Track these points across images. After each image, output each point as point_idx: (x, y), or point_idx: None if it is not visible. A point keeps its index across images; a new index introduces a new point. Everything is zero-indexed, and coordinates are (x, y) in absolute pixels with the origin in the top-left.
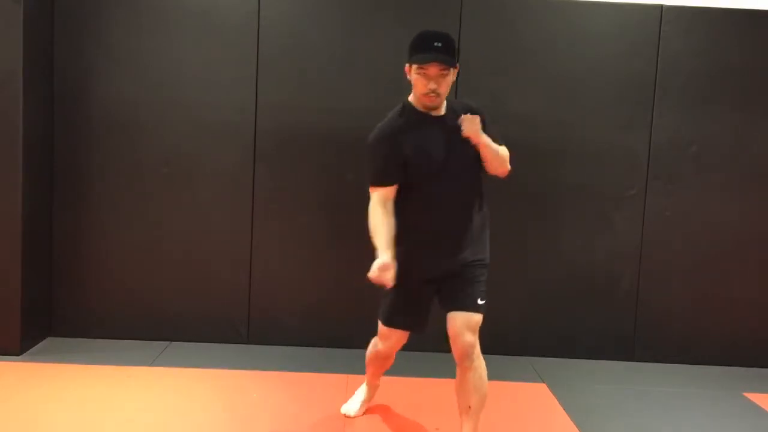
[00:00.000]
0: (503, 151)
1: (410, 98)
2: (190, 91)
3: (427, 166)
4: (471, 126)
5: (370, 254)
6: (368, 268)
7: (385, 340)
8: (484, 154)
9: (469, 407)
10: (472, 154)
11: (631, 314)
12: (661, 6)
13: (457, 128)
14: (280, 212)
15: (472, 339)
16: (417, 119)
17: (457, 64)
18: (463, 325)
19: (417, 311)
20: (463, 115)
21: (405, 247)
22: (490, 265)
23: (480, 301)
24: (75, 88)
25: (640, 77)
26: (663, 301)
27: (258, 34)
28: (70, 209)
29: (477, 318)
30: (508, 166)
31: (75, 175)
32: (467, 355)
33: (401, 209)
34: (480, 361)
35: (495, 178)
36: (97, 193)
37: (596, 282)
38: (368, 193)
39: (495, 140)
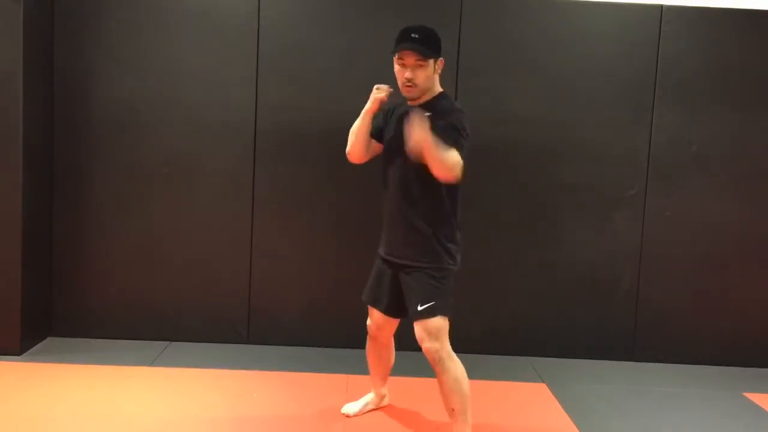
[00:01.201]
0: (450, 156)
1: None
2: (190, 91)
3: (387, 149)
4: (413, 123)
5: (370, 254)
6: (368, 268)
7: (370, 317)
8: (426, 155)
9: (453, 409)
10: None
11: (631, 314)
12: (661, 6)
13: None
14: (280, 212)
15: (433, 345)
16: (406, 107)
17: (441, 59)
18: (421, 332)
19: (381, 289)
20: (414, 111)
21: (382, 219)
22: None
23: (420, 307)
24: (75, 88)
25: (640, 77)
26: (663, 301)
27: (258, 34)
28: (70, 209)
29: (431, 323)
30: (455, 172)
31: (75, 175)
32: (435, 361)
33: (383, 185)
34: (451, 363)
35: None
36: (97, 193)
37: (596, 282)
38: (369, 192)
39: (441, 135)
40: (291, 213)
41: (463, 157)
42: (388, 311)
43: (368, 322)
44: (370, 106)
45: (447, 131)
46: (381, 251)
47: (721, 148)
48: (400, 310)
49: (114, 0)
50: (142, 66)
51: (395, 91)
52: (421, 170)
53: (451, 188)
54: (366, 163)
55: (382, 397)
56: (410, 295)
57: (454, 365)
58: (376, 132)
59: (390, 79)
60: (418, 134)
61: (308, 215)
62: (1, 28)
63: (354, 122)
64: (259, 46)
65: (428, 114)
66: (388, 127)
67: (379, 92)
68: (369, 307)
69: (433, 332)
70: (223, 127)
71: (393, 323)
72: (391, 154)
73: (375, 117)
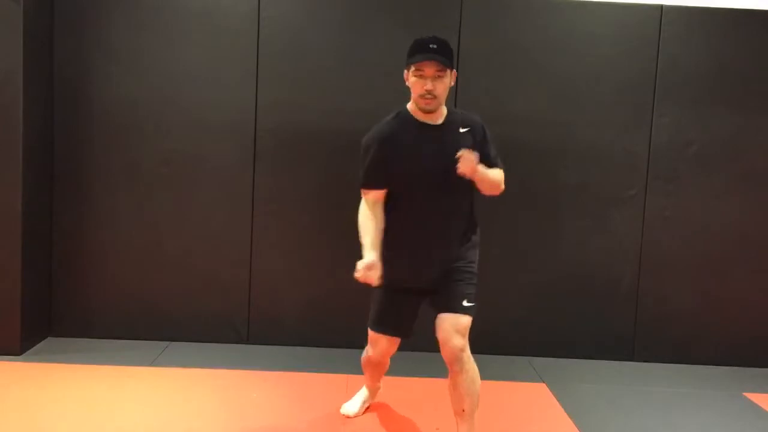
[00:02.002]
0: (497, 175)
1: (408, 106)
2: (190, 91)
3: (417, 173)
4: (467, 165)
5: None
6: None
7: (374, 346)
8: (479, 184)
9: (463, 410)
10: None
11: (631, 314)
12: (661, 6)
13: (454, 139)
14: (280, 212)
15: (461, 342)
16: (412, 126)
17: (455, 71)
18: (451, 329)
19: (401, 317)
20: (462, 151)
21: (393, 252)
22: (490, 264)
23: (466, 303)
24: (75, 87)
25: (640, 77)
26: (663, 301)
27: (258, 34)
28: (70, 209)
29: (465, 321)
30: (502, 187)
31: (75, 175)
32: (457, 359)
33: (391, 214)
34: (471, 364)
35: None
36: (97, 193)
37: (596, 282)
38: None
39: (492, 159)
40: (291, 213)
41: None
42: (405, 335)
43: (370, 353)
44: (363, 276)
45: (489, 146)
46: (398, 282)
47: (721, 148)
48: (413, 328)
49: (114, 0)
50: (142, 66)
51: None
52: (459, 188)
53: (473, 196)
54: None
55: (377, 390)
56: (452, 291)
57: (472, 366)
58: (386, 180)
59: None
60: (472, 173)
61: (308, 215)
62: (1, 28)
63: (356, 129)
64: (259, 46)
65: (466, 129)
66: (406, 161)
67: (371, 276)
68: (376, 336)
69: (463, 330)
70: (223, 127)
71: (397, 345)
72: (418, 180)
73: (375, 156)
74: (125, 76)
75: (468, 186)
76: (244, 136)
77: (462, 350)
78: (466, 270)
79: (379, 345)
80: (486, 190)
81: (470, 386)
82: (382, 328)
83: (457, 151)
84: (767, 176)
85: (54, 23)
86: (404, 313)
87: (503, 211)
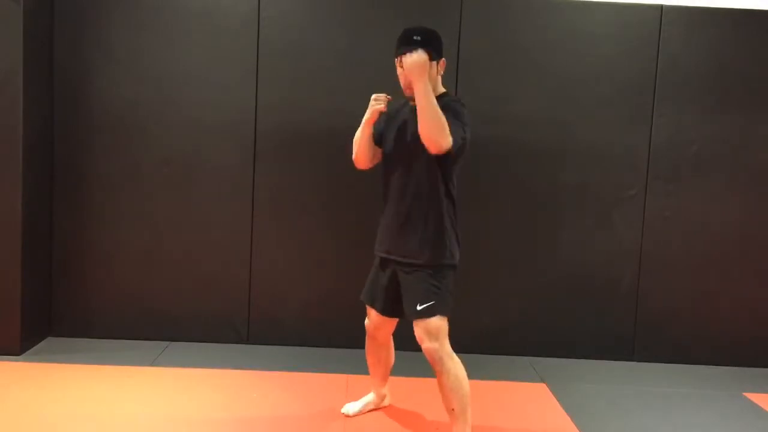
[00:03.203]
0: (443, 119)
1: None
2: (190, 91)
3: (389, 149)
4: (411, 59)
5: (370, 254)
6: (368, 269)
7: (367, 317)
8: (418, 104)
9: (453, 409)
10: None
11: (631, 314)
12: (661, 6)
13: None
14: (280, 212)
15: (433, 344)
16: (407, 108)
17: (442, 60)
18: (421, 332)
19: (379, 292)
20: (411, 56)
21: (381, 221)
22: (490, 264)
23: (419, 307)
24: (75, 88)
25: (640, 77)
26: (663, 301)
27: (258, 34)
28: (70, 209)
29: (431, 323)
30: (444, 135)
31: (75, 175)
32: (435, 360)
33: (382, 185)
34: (452, 363)
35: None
36: (97, 193)
37: (596, 282)
38: (368, 192)
39: (446, 114)
40: (291, 213)
41: (461, 142)
42: (385, 311)
43: (366, 321)
44: (369, 117)
45: (448, 109)
46: (379, 250)
47: (721, 148)
48: (397, 310)
49: (114, 0)
50: (142, 66)
51: (396, 95)
52: (423, 171)
53: (449, 188)
54: None
55: (383, 398)
56: (409, 295)
57: (454, 365)
58: (377, 137)
59: (390, 79)
60: (410, 72)
61: (308, 215)
62: (1, 28)
63: (356, 129)
64: (259, 46)
65: (425, 55)
66: (389, 130)
67: (377, 103)
68: (367, 306)
69: (433, 332)
70: (223, 127)
71: (391, 323)
72: (392, 155)
73: (376, 122)
74: (125, 76)
75: (436, 175)
76: (244, 136)
77: (437, 351)
78: (419, 267)
79: (368, 316)
80: (424, 124)
81: (454, 383)
82: (365, 297)
83: (410, 132)
84: (767, 176)
85: (54, 23)
86: (381, 285)
87: (503, 211)
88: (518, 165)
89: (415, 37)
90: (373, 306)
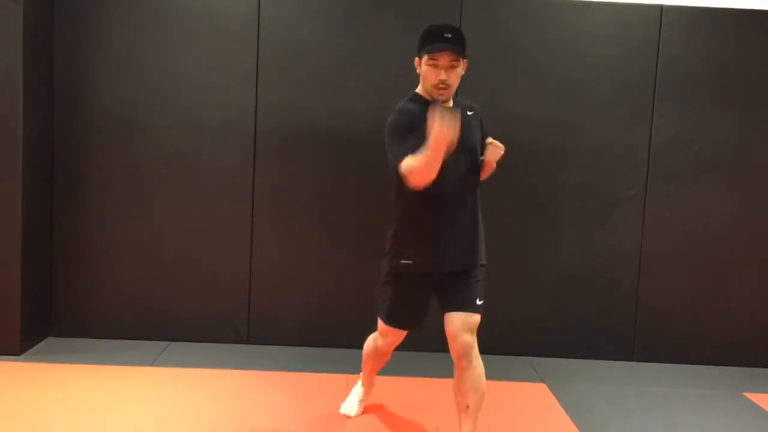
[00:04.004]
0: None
1: (418, 90)
2: (190, 91)
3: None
4: (495, 154)
5: (370, 254)
6: (368, 268)
7: (385, 337)
8: (486, 170)
9: (468, 407)
10: (476, 156)
11: (631, 314)
12: (661, 6)
13: (466, 122)
14: (280, 212)
15: (471, 339)
16: (427, 107)
17: (466, 60)
18: (462, 325)
19: (414, 310)
20: (489, 139)
21: (411, 234)
22: (489, 264)
23: (478, 302)
24: (75, 88)
25: (640, 77)
26: (663, 301)
27: (258, 34)
28: (70, 209)
29: (475, 318)
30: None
31: (75, 175)
32: (465, 355)
33: (407, 199)
34: (478, 361)
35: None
36: (96, 193)
37: (596, 282)
38: (368, 192)
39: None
40: (291, 213)
41: None
42: (418, 329)
43: (379, 342)
44: (441, 147)
45: (487, 129)
46: (427, 268)
47: (721, 148)
48: (424, 320)
49: (114, 0)
50: (142, 66)
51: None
52: (474, 174)
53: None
54: (366, 164)
55: (372, 386)
56: (466, 289)
57: (480, 363)
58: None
59: (390, 79)
60: (494, 162)
61: (308, 215)
62: (1, 28)
63: (356, 129)
64: (259, 46)
65: (472, 113)
66: (419, 133)
67: (448, 131)
68: (388, 329)
69: (472, 327)
70: (223, 127)
71: (405, 335)
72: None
73: (407, 132)
74: (125, 76)
75: (478, 178)
76: (244, 136)
77: (471, 346)
78: (480, 266)
79: (389, 337)
80: (487, 174)
81: (477, 382)
82: (395, 323)
83: (471, 133)
84: (767, 176)
85: (54, 23)
86: (417, 306)
87: (503, 211)
88: (518, 165)
89: (446, 35)
90: (411, 329)
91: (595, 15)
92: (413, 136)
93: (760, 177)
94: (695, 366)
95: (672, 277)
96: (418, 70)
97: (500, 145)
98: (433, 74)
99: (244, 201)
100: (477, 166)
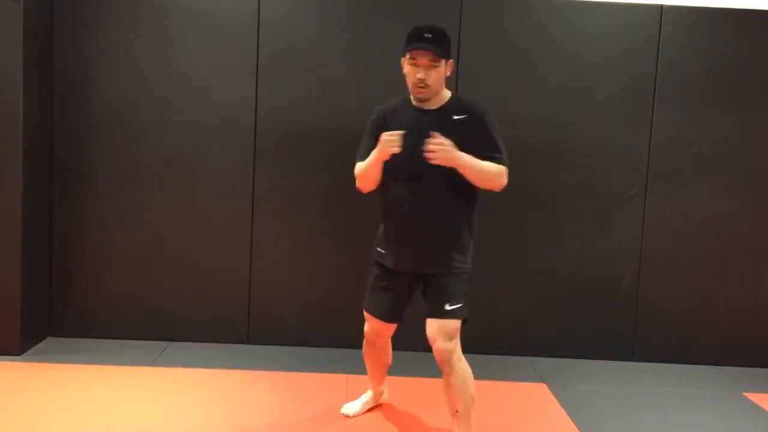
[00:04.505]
0: (489, 167)
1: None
2: (190, 91)
3: (400, 158)
4: (438, 151)
5: (370, 254)
6: (368, 268)
7: (367, 322)
8: (466, 175)
9: (457, 411)
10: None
11: (631, 314)
12: (661, 6)
13: (443, 126)
14: (280, 212)
15: (448, 345)
16: (410, 111)
17: (451, 60)
18: (438, 332)
19: (389, 302)
20: (431, 138)
21: (385, 234)
22: (490, 264)
23: (449, 307)
24: (75, 88)
25: (640, 77)
26: (663, 301)
27: (258, 34)
28: (70, 209)
29: (451, 324)
30: (501, 182)
31: (75, 175)
32: (445, 361)
33: (382, 197)
34: (461, 365)
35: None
36: (97, 193)
37: (596, 282)
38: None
39: (489, 151)
40: (291, 213)
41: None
42: (393, 320)
43: (366, 328)
44: (381, 157)
45: (492, 149)
46: (392, 266)
47: (721, 148)
48: (403, 315)
49: (114, 0)
50: (142, 66)
51: (395, 94)
52: (445, 176)
53: (472, 191)
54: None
55: (381, 394)
56: (438, 295)
57: (463, 367)
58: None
59: (389, 79)
60: (447, 163)
61: (308, 215)
62: (1, 28)
63: (356, 129)
64: (259, 46)
65: (461, 117)
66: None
67: (391, 145)
68: (368, 315)
69: (450, 333)
70: (223, 127)
71: (392, 328)
72: (402, 166)
73: (370, 136)
74: (125, 76)
75: (457, 178)
76: (244, 136)
77: (450, 352)
78: (453, 271)
79: (369, 323)
80: (478, 183)
81: (461, 386)
82: (371, 310)
83: (445, 138)
84: (767, 176)
85: (54, 23)
86: (388, 298)
87: (503, 211)
88: (518, 165)
89: (426, 35)
90: (382, 318)
91: (595, 15)
92: (373, 141)
93: (760, 177)
94: (695, 366)
95: (672, 277)
96: (404, 71)
97: (440, 140)
98: (412, 73)
99: (244, 201)
100: (454, 172)
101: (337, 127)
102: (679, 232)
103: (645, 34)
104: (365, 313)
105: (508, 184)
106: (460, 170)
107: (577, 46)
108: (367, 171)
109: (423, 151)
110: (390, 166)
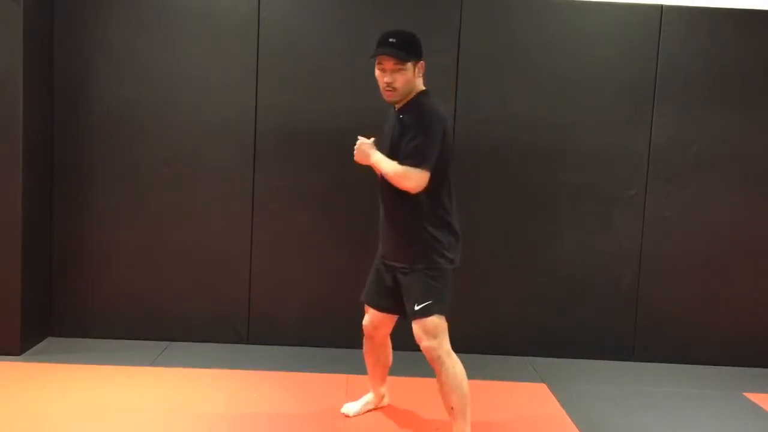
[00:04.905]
0: (390, 167)
1: None
2: (190, 91)
3: (380, 150)
4: (358, 155)
5: (370, 254)
6: (368, 268)
7: (366, 317)
8: (378, 171)
9: (452, 408)
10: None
11: (631, 314)
12: (661, 6)
13: (392, 126)
14: (280, 212)
15: (432, 342)
16: (392, 111)
17: (421, 62)
18: (418, 331)
19: (379, 291)
20: (359, 139)
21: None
22: (490, 264)
23: (417, 307)
24: (75, 88)
25: (640, 77)
26: (663, 301)
27: (258, 34)
28: (70, 209)
29: (429, 322)
30: (403, 183)
31: (75, 174)
32: (434, 359)
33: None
34: (451, 361)
35: (493, 178)
36: (97, 193)
37: (596, 282)
38: (368, 192)
39: (401, 151)
40: (291, 213)
41: (430, 164)
42: (385, 310)
43: (364, 321)
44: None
45: (405, 149)
46: (379, 253)
47: (721, 148)
48: (398, 308)
49: (114, 0)
50: (142, 66)
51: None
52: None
53: (433, 190)
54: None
55: (382, 397)
56: (407, 295)
57: (453, 363)
58: None
59: None
60: (363, 160)
61: (308, 215)
62: (1, 28)
63: (355, 130)
64: (259, 46)
65: (402, 116)
66: (382, 137)
67: (360, 150)
68: (366, 306)
69: (431, 331)
70: (223, 127)
71: (389, 322)
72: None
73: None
74: (125, 76)
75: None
76: (244, 136)
77: (435, 349)
78: (414, 269)
79: (368, 314)
80: (390, 180)
81: (453, 381)
82: (364, 297)
83: (390, 138)
84: (767, 176)
85: (54, 23)
86: (382, 286)
87: (503, 211)
88: (518, 165)
89: (390, 39)
90: (373, 306)
91: (595, 15)
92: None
93: (760, 177)
94: (695, 366)
95: (672, 277)
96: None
97: (361, 141)
98: (380, 77)
99: (244, 201)
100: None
101: (337, 127)
102: (679, 232)
103: (645, 34)
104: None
105: (506, 184)
106: (374, 167)
107: (577, 46)
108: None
109: (387, 152)
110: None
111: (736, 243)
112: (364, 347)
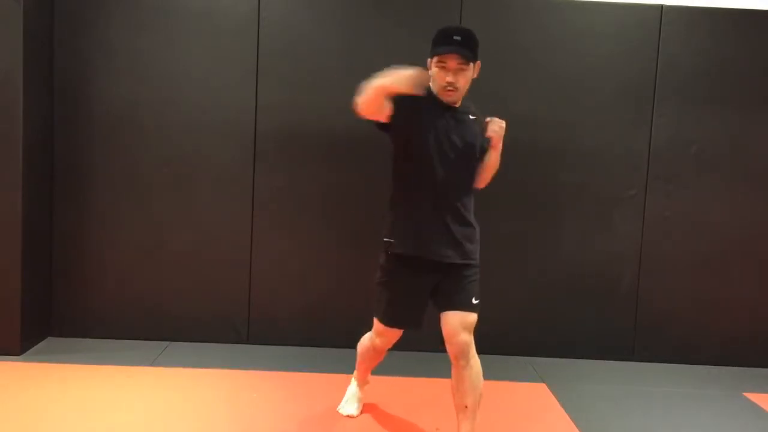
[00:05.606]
0: (497, 160)
1: (431, 85)
2: (190, 91)
3: (434, 146)
4: (499, 129)
5: (370, 254)
6: (368, 269)
7: (382, 337)
8: (492, 159)
9: (466, 406)
10: (475, 153)
11: (631, 314)
12: (661, 6)
13: (467, 124)
14: (280, 212)
15: (468, 338)
16: (434, 103)
17: (479, 62)
18: (459, 325)
19: (412, 308)
20: (489, 118)
21: (405, 223)
22: (490, 264)
23: (474, 301)
24: (75, 87)
25: (640, 77)
26: (663, 301)
27: (258, 34)
28: (70, 209)
29: (472, 317)
30: (491, 176)
31: (75, 175)
32: (463, 354)
33: (403, 186)
34: (476, 360)
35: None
36: (97, 193)
37: (596, 282)
38: (368, 192)
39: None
40: (291, 213)
41: None
42: (418, 323)
43: (377, 341)
44: (390, 85)
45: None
46: (414, 252)
47: (721, 148)
48: (425, 311)
49: (114, 0)
50: (142, 66)
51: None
52: (472, 170)
53: (475, 189)
54: (366, 164)
55: (367, 384)
56: (462, 288)
57: (477, 363)
58: (399, 115)
59: None
60: (499, 140)
61: (308, 215)
62: (1, 28)
63: (355, 129)
64: (259, 46)
65: (473, 118)
66: (424, 127)
67: (413, 82)
68: (385, 329)
69: (470, 326)
70: (223, 127)
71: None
72: (435, 153)
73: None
74: (125, 76)
75: (474, 176)
76: (244, 136)
77: (468, 345)
78: (474, 265)
79: (386, 336)
80: (488, 171)
81: (475, 381)
82: (394, 322)
83: (470, 134)
84: (767, 176)
85: (54, 23)
86: (415, 303)
87: (503, 211)
88: (518, 165)
89: (455, 37)
90: (410, 325)
91: (595, 15)
92: (402, 102)
93: (760, 177)
94: (695, 366)
95: (672, 277)
96: (429, 72)
97: (498, 120)
98: (441, 76)
99: (244, 201)
100: (471, 166)
101: (337, 127)
102: (679, 232)
103: (645, 34)
104: (383, 327)
105: (506, 184)
106: (494, 151)
107: (577, 46)
108: (373, 93)
109: (460, 145)
110: (424, 151)
111: (736, 243)
112: (366, 355)
